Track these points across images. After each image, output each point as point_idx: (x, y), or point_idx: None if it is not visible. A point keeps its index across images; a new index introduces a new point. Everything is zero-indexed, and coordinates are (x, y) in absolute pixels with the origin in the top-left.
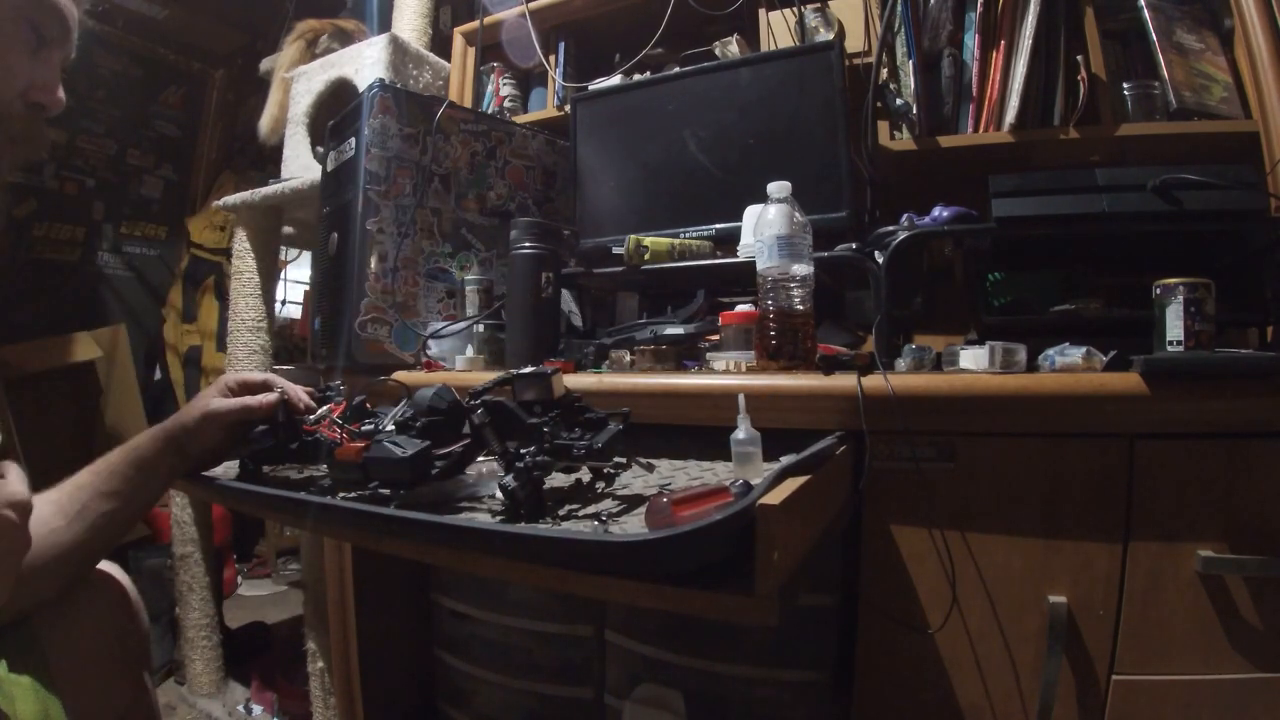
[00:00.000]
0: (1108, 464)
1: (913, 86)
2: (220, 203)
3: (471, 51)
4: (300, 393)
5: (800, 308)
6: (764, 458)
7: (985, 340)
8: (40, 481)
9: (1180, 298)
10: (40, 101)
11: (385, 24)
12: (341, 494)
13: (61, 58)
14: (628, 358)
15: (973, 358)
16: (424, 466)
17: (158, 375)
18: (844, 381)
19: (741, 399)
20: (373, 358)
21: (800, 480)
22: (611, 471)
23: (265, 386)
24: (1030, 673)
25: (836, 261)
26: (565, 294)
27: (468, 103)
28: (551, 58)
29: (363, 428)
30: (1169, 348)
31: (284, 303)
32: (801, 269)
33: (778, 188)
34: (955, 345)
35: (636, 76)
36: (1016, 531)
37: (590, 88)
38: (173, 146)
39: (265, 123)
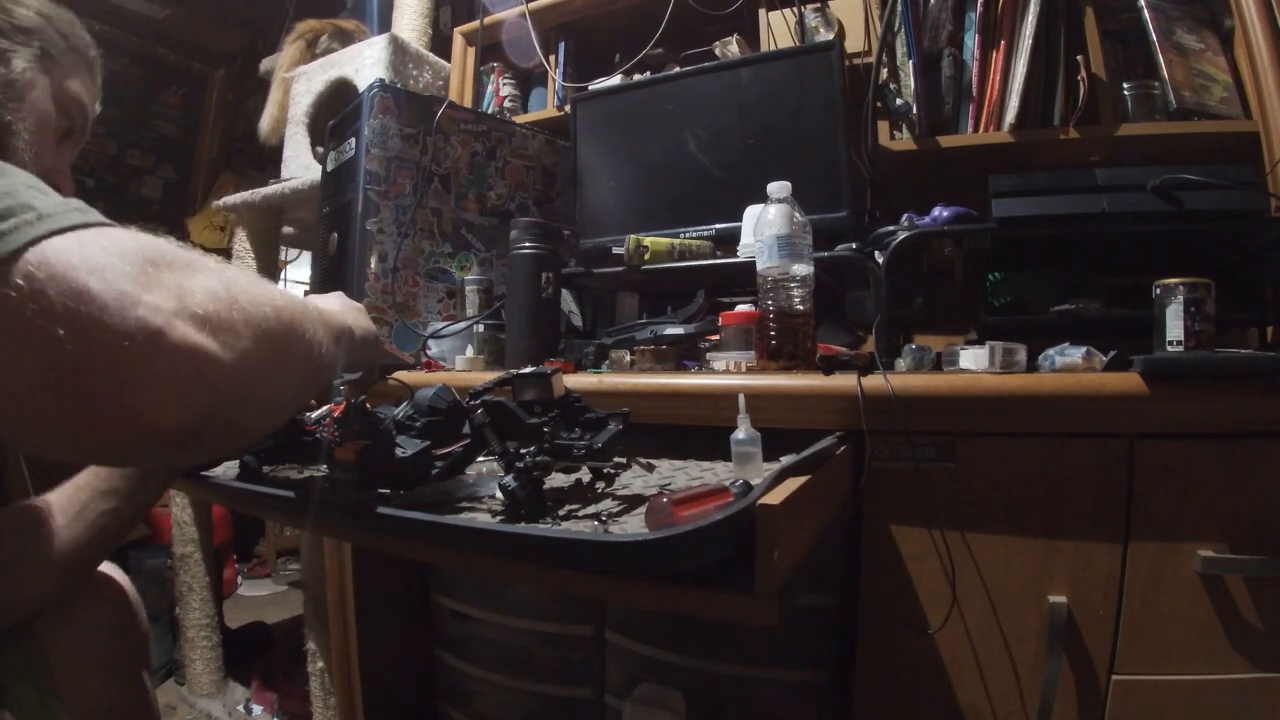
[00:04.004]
0: (1108, 464)
1: (913, 86)
2: (220, 203)
3: (471, 51)
4: None
5: (800, 308)
6: (764, 458)
7: (985, 340)
8: (40, 481)
9: (1180, 298)
10: (55, 184)
11: (385, 24)
12: (341, 494)
13: (76, 149)
14: (628, 358)
15: (973, 358)
16: (424, 466)
17: None
18: (844, 381)
19: (741, 399)
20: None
21: (800, 480)
22: (611, 471)
23: None
24: (1030, 673)
25: (836, 261)
26: (565, 294)
27: (468, 103)
28: (551, 58)
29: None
30: (1169, 348)
31: None
32: (801, 269)
33: (778, 188)
34: (955, 345)
35: (636, 76)
36: (1016, 531)
37: (590, 88)
38: (173, 146)
39: (265, 123)
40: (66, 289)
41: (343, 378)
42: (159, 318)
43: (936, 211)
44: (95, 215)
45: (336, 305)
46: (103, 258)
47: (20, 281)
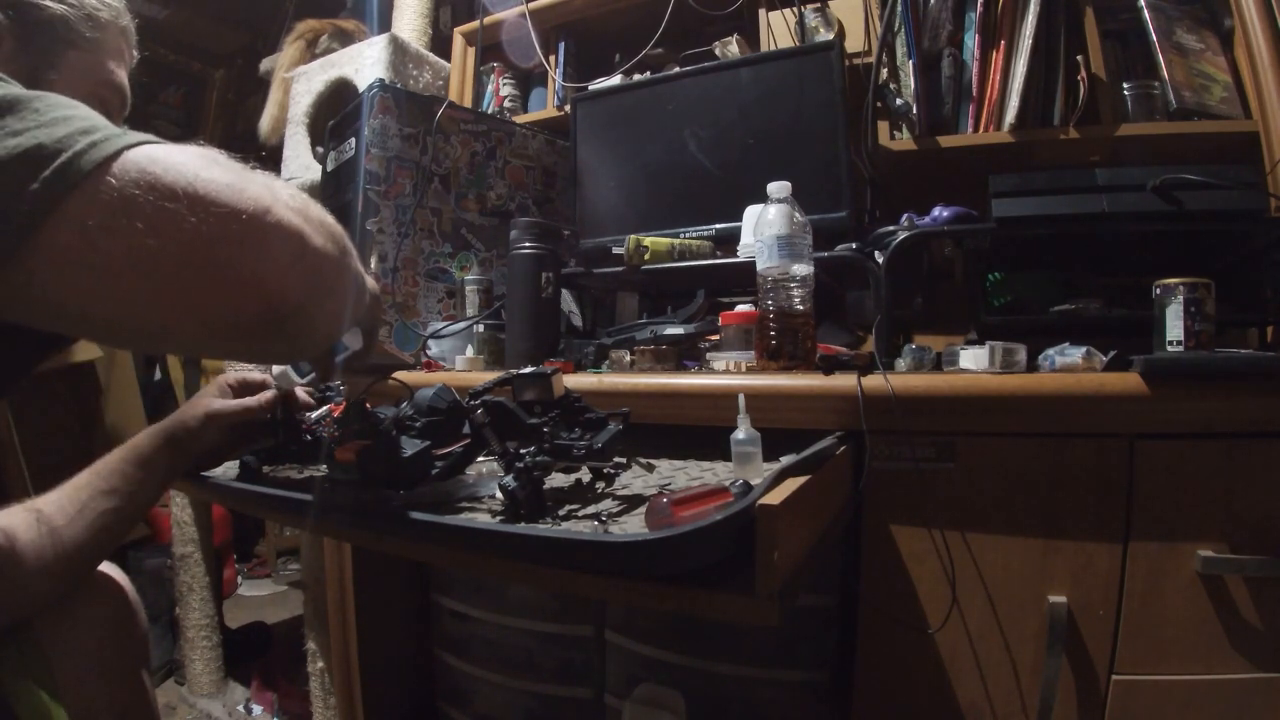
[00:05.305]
0: (1108, 464)
1: (913, 86)
2: None
3: (471, 51)
4: (300, 391)
5: (800, 308)
6: (764, 458)
7: (985, 340)
8: (40, 481)
9: (1180, 298)
10: None
11: (385, 24)
12: (341, 494)
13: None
14: (628, 358)
15: (973, 358)
16: (424, 466)
17: (158, 375)
18: (844, 381)
19: (741, 399)
20: (372, 358)
21: (800, 480)
22: (611, 471)
23: (264, 386)
24: (1030, 673)
25: (836, 261)
26: (565, 294)
27: (468, 103)
28: (551, 58)
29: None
30: (1169, 348)
31: None
32: (801, 269)
33: (778, 188)
34: (955, 345)
35: (636, 76)
36: (1016, 531)
37: (590, 88)
38: None
39: (265, 123)
40: (180, 175)
41: (346, 350)
42: (265, 199)
43: (936, 211)
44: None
45: None
46: (200, 160)
47: (134, 174)
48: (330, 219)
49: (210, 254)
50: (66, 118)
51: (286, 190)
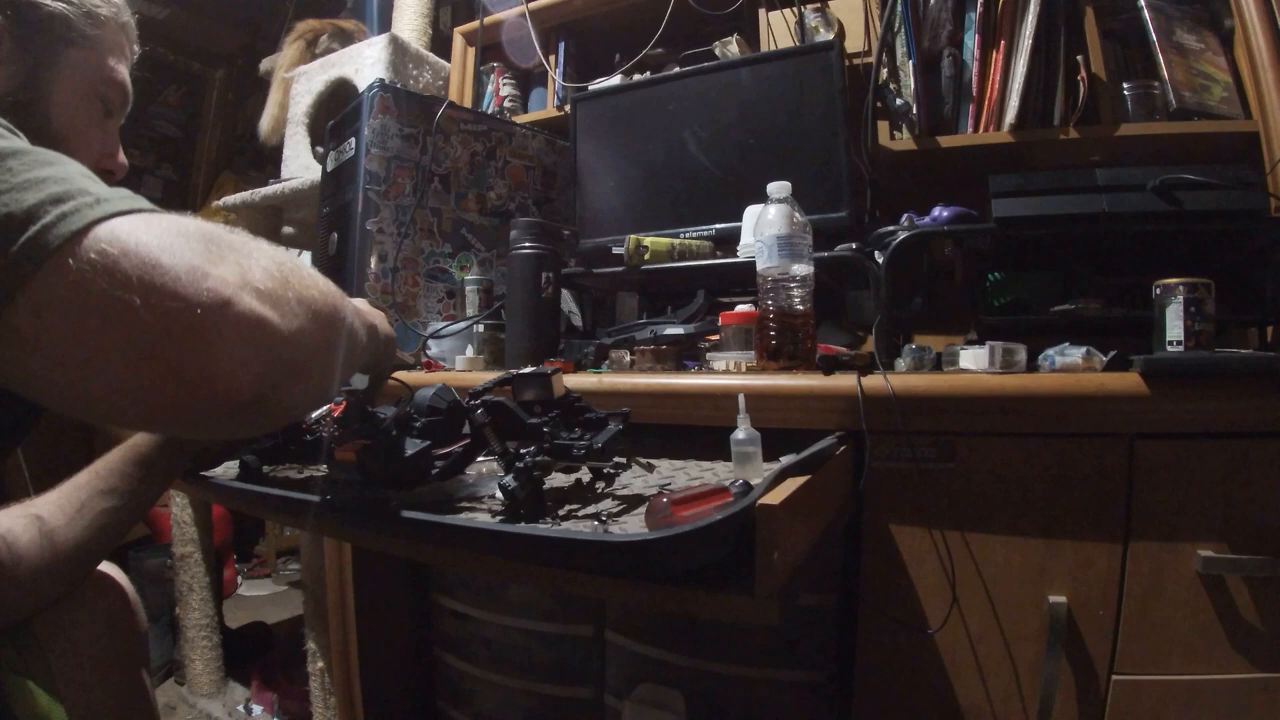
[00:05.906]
0: (1108, 464)
1: (913, 86)
2: (220, 203)
3: (471, 51)
4: None
5: (800, 308)
6: (764, 458)
7: (985, 340)
8: (40, 481)
9: (1180, 298)
10: (109, 168)
11: (385, 24)
12: (341, 494)
13: (121, 118)
14: (628, 358)
15: (973, 358)
16: (424, 466)
17: None
18: (844, 381)
19: (741, 399)
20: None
21: (800, 480)
22: (611, 471)
23: None
24: (1030, 673)
25: (836, 261)
26: (565, 294)
27: (468, 103)
28: (551, 58)
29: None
30: (1169, 348)
31: None
32: (801, 269)
33: (778, 188)
34: (955, 345)
35: (636, 76)
36: (1016, 531)
37: (590, 88)
38: (173, 146)
39: (265, 123)
40: (139, 262)
41: (350, 385)
42: (227, 289)
43: (936, 211)
44: (146, 202)
45: (363, 304)
46: (168, 236)
47: (94, 257)
48: (318, 287)
49: (157, 350)
50: (39, 180)
51: (263, 264)
